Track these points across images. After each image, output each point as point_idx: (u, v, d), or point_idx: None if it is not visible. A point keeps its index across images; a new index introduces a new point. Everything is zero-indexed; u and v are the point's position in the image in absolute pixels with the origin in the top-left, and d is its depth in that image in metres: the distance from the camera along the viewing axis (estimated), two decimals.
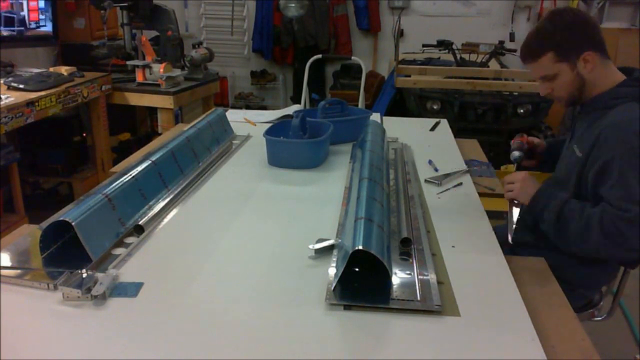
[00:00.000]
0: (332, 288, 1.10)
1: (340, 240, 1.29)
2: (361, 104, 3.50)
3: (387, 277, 1.11)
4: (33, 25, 3.34)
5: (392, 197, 1.59)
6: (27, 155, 3.20)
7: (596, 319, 1.67)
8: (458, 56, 3.99)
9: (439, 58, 4.35)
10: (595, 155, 1.37)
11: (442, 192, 1.68)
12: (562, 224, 1.38)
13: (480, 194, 1.71)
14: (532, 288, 1.24)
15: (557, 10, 1.46)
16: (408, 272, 1.19)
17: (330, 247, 1.27)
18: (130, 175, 1.44)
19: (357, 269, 1.17)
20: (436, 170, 1.86)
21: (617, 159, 1.31)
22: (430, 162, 1.93)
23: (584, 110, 1.50)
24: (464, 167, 1.89)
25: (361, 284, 1.14)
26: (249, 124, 2.42)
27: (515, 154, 1.66)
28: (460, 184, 1.75)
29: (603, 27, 5.02)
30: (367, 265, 1.15)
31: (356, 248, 1.08)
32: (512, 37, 5.11)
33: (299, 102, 3.65)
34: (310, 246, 1.26)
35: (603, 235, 1.29)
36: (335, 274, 1.13)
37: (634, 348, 2.33)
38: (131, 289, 1.11)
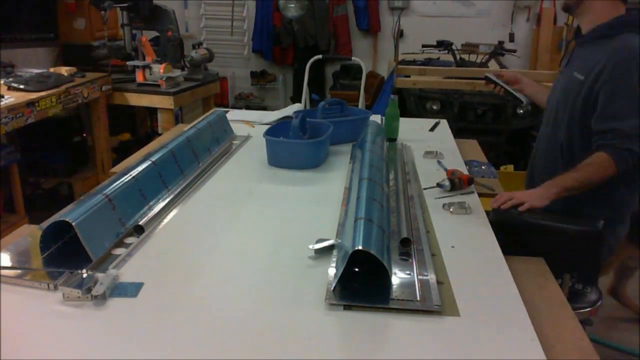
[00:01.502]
0: (332, 288, 1.10)
1: (340, 241, 1.29)
2: (361, 104, 3.50)
3: (387, 277, 1.11)
4: None
5: (392, 197, 1.59)
6: (27, 155, 3.19)
7: (597, 304, 1.67)
8: (458, 56, 3.99)
9: (438, 58, 4.34)
10: (603, 80, 1.52)
11: (440, 197, 1.67)
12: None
13: (480, 194, 1.70)
14: (532, 288, 1.24)
15: None
16: (408, 272, 1.19)
17: (330, 247, 1.27)
18: (130, 175, 1.44)
19: (357, 269, 1.17)
20: (445, 170, 1.86)
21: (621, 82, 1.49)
22: (439, 162, 1.93)
23: (583, 40, 1.62)
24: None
25: (361, 284, 1.14)
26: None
27: (446, 182, 1.67)
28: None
29: None
30: (367, 265, 1.15)
31: (356, 248, 1.08)
32: (511, 38, 5.11)
33: (299, 102, 3.65)
34: (310, 246, 1.27)
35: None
36: (335, 274, 1.13)
37: (635, 348, 2.33)
38: (131, 289, 1.11)
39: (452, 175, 1.71)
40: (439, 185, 1.68)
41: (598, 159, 1.51)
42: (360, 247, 1.08)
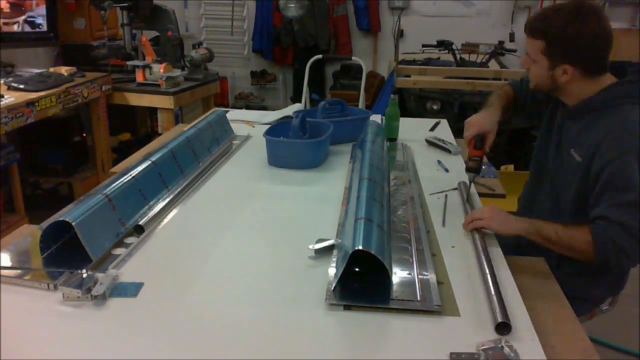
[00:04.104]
0: (332, 288, 1.10)
1: (340, 241, 1.29)
2: (361, 104, 3.50)
3: (387, 277, 1.11)
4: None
5: (392, 197, 1.59)
6: (27, 155, 3.20)
7: (603, 308, 1.66)
8: (458, 56, 3.99)
9: (438, 58, 4.34)
10: (600, 163, 1.33)
11: (436, 192, 1.67)
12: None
13: (480, 194, 1.71)
14: (532, 288, 1.24)
15: (581, 9, 1.35)
16: (408, 272, 1.19)
17: (330, 247, 1.27)
18: (130, 175, 1.44)
19: (357, 269, 1.17)
20: (446, 170, 1.86)
21: (619, 165, 1.29)
22: (439, 162, 1.93)
23: (574, 112, 1.46)
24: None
25: (361, 284, 1.14)
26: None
27: (470, 175, 1.60)
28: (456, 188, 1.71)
29: None
30: (367, 265, 1.15)
31: (356, 248, 1.08)
32: (512, 37, 5.10)
33: (299, 102, 3.65)
34: (310, 246, 1.26)
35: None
36: (335, 274, 1.13)
37: (635, 347, 2.33)
38: (131, 289, 1.11)
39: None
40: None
41: (584, 238, 1.30)
42: (360, 247, 1.08)
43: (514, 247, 1.54)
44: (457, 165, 1.91)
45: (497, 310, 1.03)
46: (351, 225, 1.21)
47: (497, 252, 1.31)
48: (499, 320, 1.00)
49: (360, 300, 1.08)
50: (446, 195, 1.62)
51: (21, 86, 2.75)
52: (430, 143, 2.15)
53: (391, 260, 1.20)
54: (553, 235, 1.33)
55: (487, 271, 1.18)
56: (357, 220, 1.20)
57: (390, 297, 1.09)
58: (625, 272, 1.58)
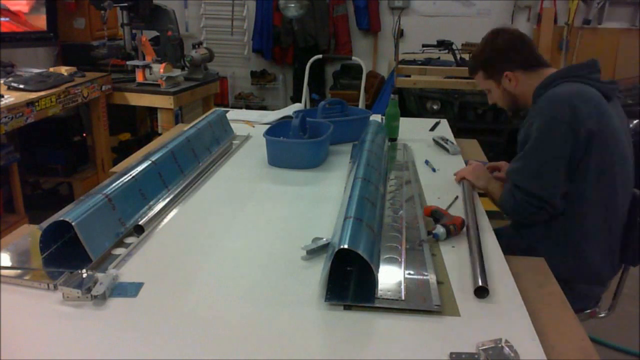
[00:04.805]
0: (327, 288, 1.09)
1: (332, 239, 1.29)
2: (361, 104, 3.51)
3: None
4: None
5: (395, 197, 1.59)
6: (27, 155, 3.20)
7: (600, 315, 1.67)
8: (458, 56, 3.99)
9: (438, 58, 4.34)
10: (525, 131, 1.58)
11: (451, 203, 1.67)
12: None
13: (481, 194, 1.71)
14: (532, 288, 1.24)
15: (492, 32, 1.68)
16: (408, 272, 1.19)
17: (327, 246, 1.27)
18: (130, 175, 1.44)
19: (357, 270, 1.17)
20: (433, 170, 1.86)
21: (533, 129, 1.52)
22: (427, 162, 1.93)
23: (524, 115, 1.66)
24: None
25: (361, 283, 1.14)
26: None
27: (440, 230, 1.38)
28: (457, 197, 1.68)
29: (603, 27, 5.03)
30: (367, 265, 1.14)
31: (341, 247, 1.08)
32: None
33: (299, 102, 3.65)
34: (302, 247, 1.26)
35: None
36: (322, 273, 1.12)
37: (635, 347, 2.33)
38: (131, 289, 1.11)
39: (433, 213, 1.48)
40: (433, 234, 1.38)
41: (503, 190, 1.61)
42: (345, 246, 1.08)
43: (514, 247, 1.54)
44: (456, 165, 1.91)
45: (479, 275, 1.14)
46: (340, 225, 1.21)
47: (497, 252, 1.31)
48: (479, 284, 1.11)
49: (360, 300, 1.08)
50: (456, 197, 1.61)
51: (21, 86, 2.75)
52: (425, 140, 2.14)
53: (379, 259, 1.20)
54: (490, 192, 1.68)
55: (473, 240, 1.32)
56: (345, 219, 1.19)
57: (384, 297, 1.08)
58: (618, 238, 1.59)
